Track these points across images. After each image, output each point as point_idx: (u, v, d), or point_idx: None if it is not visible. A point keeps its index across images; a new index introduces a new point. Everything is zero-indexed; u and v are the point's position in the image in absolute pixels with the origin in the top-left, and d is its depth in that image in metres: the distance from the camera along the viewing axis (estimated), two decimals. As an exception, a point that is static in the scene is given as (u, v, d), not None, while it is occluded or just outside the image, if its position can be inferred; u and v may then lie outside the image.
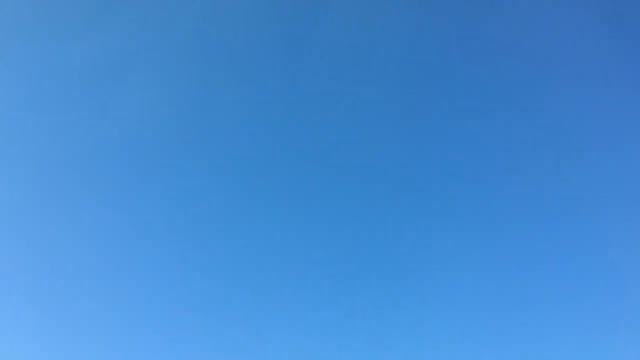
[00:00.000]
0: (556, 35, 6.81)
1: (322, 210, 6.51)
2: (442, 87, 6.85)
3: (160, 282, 6.22)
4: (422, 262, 6.26)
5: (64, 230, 6.35)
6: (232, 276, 6.27)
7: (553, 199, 6.35)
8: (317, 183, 6.59)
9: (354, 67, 6.96)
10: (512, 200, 6.40)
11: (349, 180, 6.59)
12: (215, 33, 7.05)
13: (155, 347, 5.94)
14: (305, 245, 6.36)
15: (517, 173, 6.49)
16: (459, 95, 6.79)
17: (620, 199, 6.20)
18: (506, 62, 6.80)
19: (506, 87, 6.76)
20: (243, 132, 6.79)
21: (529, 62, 6.77)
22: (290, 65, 6.94)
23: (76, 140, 6.65)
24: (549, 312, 5.94)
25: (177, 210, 6.51)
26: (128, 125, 6.67)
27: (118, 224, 6.42)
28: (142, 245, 6.35)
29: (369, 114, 6.84)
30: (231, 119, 6.84)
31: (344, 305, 6.14)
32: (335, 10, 7.00)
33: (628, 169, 6.27)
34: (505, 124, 6.66)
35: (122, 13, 6.93)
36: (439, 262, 6.25)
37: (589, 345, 5.71)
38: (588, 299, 5.92)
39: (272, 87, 6.92)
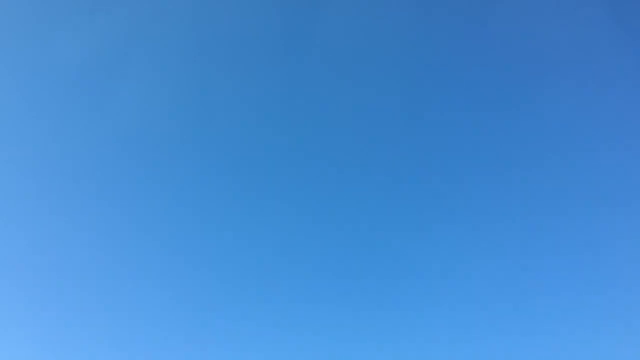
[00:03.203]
0: (556, 33, 6.79)
1: (322, 208, 6.51)
2: (442, 83, 6.84)
3: (159, 281, 6.23)
4: (422, 261, 6.28)
5: (62, 229, 6.35)
6: (231, 275, 6.28)
7: (553, 197, 6.36)
8: (317, 180, 6.58)
9: (352, 65, 6.95)
10: (513, 198, 6.41)
11: (348, 178, 6.60)
12: (214, 28, 7.02)
13: (156, 346, 5.96)
14: (305, 243, 6.37)
15: (517, 170, 6.50)
16: (458, 91, 6.78)
17: (620, 199, 6.21)
18: (506, 60, 6.79)
19: (506, 85, 6.76)
20: (241, 128, 6.78)
21: (529, 60, 6.75)
22: (289, 62, 6.91)
23: (73, 137, 6.63)
24: (549, 311, 5.96)
25: (176, 208, 6.51)
26: (125, 123, 6.64)
27: (117, 223, 6.41)
28: (140, 244, 6.35)
29: (367, 112, 6.83)
30: (230, 114, 6.82)
31: (343, 304, 6.16)
32: (335, 7, 6.97)
33: (628, 168, 6.28)
34: (505, 121, 6.66)
35: (119, 7, 6.88)
36: (439, 261, 6.27)
37: (588, 345, 5.74)
38: (587, 298, 5.94)
39: (271, 84, 6.90)
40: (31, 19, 6.87)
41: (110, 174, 6.52)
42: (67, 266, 6.20)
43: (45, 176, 6.47)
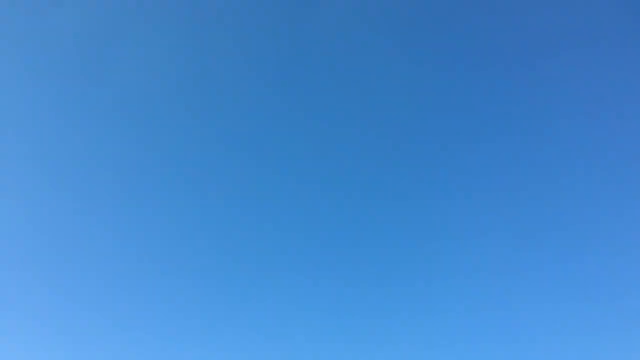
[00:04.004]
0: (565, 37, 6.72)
1: (323, 213, 6.50)
2: (444, 89, 6.78)
3: (157, 282, 6.24)
4: (421, 265, 6.29)
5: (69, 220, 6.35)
6: (235, 278, 6.30)
7: (548, 203, 6.36)
8: (318, 187, 6.56)
9: (353, 67, 6.87)
10: (513, 200, 6.42)
11: (349, 184, 6.57)
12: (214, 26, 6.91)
13: (157, 345, 6.00)
14: (306, 249, 6.37)
15: (518, 172, 6.50)
16: (459, 98, 6.73)
17: (620, 201, 6.22)
18: (507, 62, 6.73)
19: (508, 88, 6.71)
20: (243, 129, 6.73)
21: (532, 62, 6.70)
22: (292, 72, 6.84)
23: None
24: (545, 314, 6.01)
25: (175, 209, 6.51)
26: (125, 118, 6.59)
27: (116, 223, 6.41)
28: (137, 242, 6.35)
29: (368, 118, 6.78)
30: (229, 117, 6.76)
31: (343, 307, 6.19)
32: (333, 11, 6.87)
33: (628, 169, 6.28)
34: (504, 127, 6.63)
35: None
36: (438, 265, 6.29)
37: (587, 345, 5.80)
38: (586, 300, 5.99)
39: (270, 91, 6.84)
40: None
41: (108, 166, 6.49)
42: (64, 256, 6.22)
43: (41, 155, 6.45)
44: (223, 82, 6.79)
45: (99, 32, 6.72)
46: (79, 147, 6.53)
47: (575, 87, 6.57)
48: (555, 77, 6.62)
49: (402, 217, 6.41)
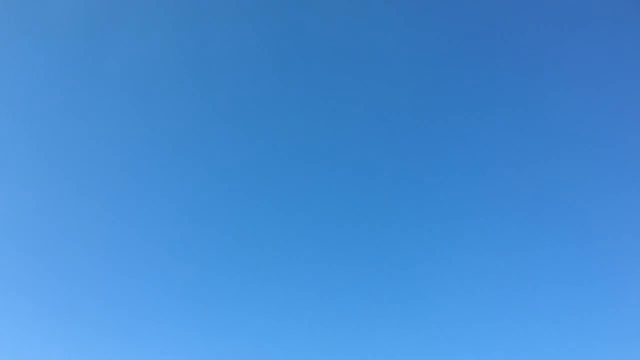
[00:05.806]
0: (557, 36, 6.77)
1: (324, 207, 6.51)
2: (443, 84, 6.81)
3: (154, 280, 6.22)
4: (419, 258, 6.29)
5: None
6: (236, 274, 6.29)
7: (550, 194, 6.37)
8: (318, 185, 6.57)
9: (356, 66, 6.90)
10: (510, 198, 6.42)
11: (349, 177, 6.58)
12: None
13: (154, 345, 5.98)
14: (305, 241, 6.37)
15: (515, 168, 6.51)
16: (458, 92, 6.76)
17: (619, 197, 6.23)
18: (506, 61, 6.77)
19: (506, 85, 6.74)
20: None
21: (530, 62, 6.74)
22: (292, 65, 6.87)
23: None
24: (546, 310, 6.00)
25: (173, 207, 6.50)
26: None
27: (113, 223, 6.41)
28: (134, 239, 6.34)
29: (369, 113, 6.81)
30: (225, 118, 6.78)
31: (345, 302, 6.18)
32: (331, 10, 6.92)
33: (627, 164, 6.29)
34: (504, 121, 6.65)
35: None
36: (438, 259, 6.29)
37: (587, 345, 5.78)
38: (586, 298, 5.98)
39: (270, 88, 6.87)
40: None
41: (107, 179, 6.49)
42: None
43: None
44: (224, 78, 6.85)
45: (99, 28, 6.77)
46: (78, 144, 6.57)
47: (578, 83, 6.63)
48: (558, 74, 6.68)
49: (402, 215, 6.43)
